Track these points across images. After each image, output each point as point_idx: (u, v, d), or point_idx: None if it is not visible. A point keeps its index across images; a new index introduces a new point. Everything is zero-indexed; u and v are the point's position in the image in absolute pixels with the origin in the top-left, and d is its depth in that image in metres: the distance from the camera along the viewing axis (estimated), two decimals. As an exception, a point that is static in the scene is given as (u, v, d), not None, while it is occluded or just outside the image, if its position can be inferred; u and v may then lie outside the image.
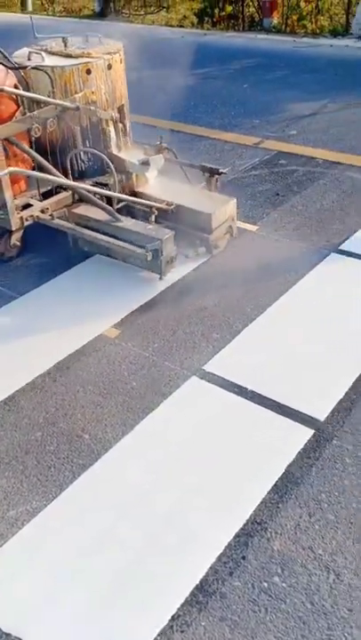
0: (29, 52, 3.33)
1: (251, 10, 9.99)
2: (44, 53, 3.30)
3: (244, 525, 1.96)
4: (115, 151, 3.49)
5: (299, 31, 9.17)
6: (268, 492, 2.06)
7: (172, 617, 1.72)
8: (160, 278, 3.21)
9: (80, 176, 3.44)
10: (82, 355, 2.75)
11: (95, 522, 1.99)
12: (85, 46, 3.46)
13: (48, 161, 3.24)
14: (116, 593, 1.79)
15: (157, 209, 3.34)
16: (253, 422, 2.34)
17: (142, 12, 11.38)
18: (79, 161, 3.46)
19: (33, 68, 3.19)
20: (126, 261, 3.32)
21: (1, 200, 3.13)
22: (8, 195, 3.10)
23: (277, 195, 4.14)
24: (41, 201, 3.35)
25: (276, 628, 1.69)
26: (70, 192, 3.39)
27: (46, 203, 3.33)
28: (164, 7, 11.49)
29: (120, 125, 3.51)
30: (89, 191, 3.28)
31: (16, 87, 3.13)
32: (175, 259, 3.23)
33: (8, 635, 1.70)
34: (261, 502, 2.03)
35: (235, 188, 4.00)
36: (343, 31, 8.83)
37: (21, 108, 3.18)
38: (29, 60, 3.29)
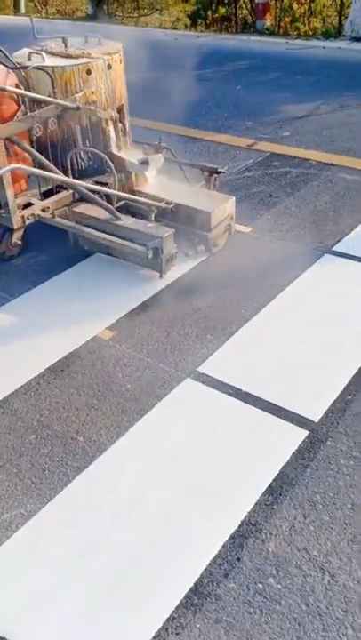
0: (30, 53, 3.36)
1: (244, 12, 10.02)
2: (44, 54, 3.33)
3: (239, 527, 1.96)
4: (114, 151, 3.53)
5: (292, 33, 9.20)
6: (263, 494, 2.06)
7: (167, 619, 1.72)
8: (160, 276, 3.22)
9: (80, 175, 3.47)
10: (76, 357, 2.74)
11: (90, 524, 1.99)
12: (85, 47, 3.49)
13: (49, 160, 3.26)
14: (110, 595, 1.78)
15: (157, 208, 3.36)
16: (248, 424, 2.34)
17: (136, 15, 11.40)
18: (79, 160, 3.49)
19: (34, 68, 3.21)
20: (127, 260, 3.33)
21: (3, 198, 3.16)
22: (10, 193, 3.14)
23: (271, 196, 4.15)
24: (42, 200, 3.39)
25: (271, 629, 1.69)
26: (71, 191, 3.42)
27: (47, 202, 3.37)
28: (157, 9, 11.51)
29: (120, 125, 3.54)
30: (89, 190, 3.30)
31: (17, 87, 3.15)
32: (175, 257, 3.25)
33: (3, 638, 1.69)
34: (256, 503, 2.03)
35: (228, 190, 4.00)
36: (336, 33, 8.87)
37: (22, 107, 3.20)
38: (30, 60, 3.32)
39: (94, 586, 1.81)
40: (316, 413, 2.37)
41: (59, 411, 2.46)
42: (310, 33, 9.15)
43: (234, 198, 3.58)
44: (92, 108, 3.33)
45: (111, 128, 3.48)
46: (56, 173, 3.21)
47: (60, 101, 3.22)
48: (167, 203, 3.40)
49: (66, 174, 3.30)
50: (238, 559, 1.87)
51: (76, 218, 3.39)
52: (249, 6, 9.81)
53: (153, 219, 3.31)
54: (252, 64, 7.57)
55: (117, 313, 3.00)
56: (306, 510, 2.01)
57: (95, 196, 3.30)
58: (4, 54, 3.21)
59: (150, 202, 3.38)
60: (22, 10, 12.84)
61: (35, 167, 3.22)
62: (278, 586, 1.80)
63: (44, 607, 1.77)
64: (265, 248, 3.54)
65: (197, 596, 1.78)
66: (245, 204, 3.94)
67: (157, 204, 3.37)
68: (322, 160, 4.67)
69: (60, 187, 3.44)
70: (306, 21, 9.45)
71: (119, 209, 3.36)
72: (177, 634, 1.69)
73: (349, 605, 1.74)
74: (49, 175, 3.18)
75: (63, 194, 3.42)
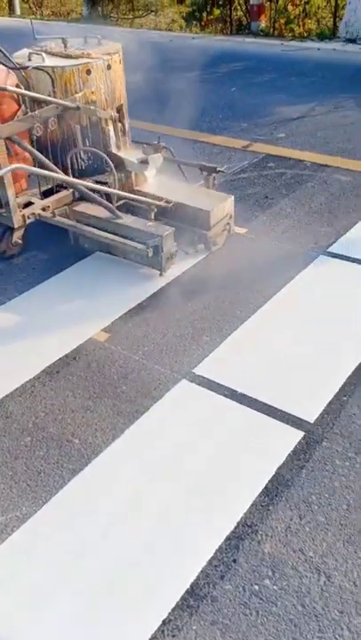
0: (29, 53, 3.38)
1: (239, 13, 10.04)
2: (44, 54, 3.35)
3: (235, 528, 1.96)
4: (114, 150, 3.55)
5: (286, 34, 9.22)
6: (259, 495, 2.06)
7: (164, 621, 1.72)
8: (160, 274, 3.24)
9: (80, 174, 3.49)
10: (71, 359, 2.74)
11: (85, 527, 1.99)
12: (85, 47, 3.50)
13: (49, 159, 3.28)
14: (106, 598, 1.78)
15: (157, 207, 3.38)
16: (243, 425, 2.34)
17: (130, 16, 11.41)
18: (79, 160, 3.51)
19: (34, 68, 3.23)
20: (127, 258, 3.36)
21: (3, 198, 3.18)
22: (10, 192, 3.17)
23: (266, 198, 4.15)
24: (42, 199, 3.41)
25: (267, 630, 1.69)
26: (71, 190, 3.45)
27: (47, 201, 3.39)
28: (152, 11, 11.52)
29: (119, 125, 3.56)
30: (90, 189, 3.31)
31: (17, 87, 3.17)
32: (175, 255, 3.27)
33: (-2, 642, 1.69)
34: (252, 505, 2.03)
35: (224, 191, 4.00)
36: (330, 34, 8.89)
37: (23, 107, 3.21)
38: (30, 60, 3.33)
39: (90, 588, 1.80)
40: (311, 414, 2.37)
41: (54, 413, 2.45)
42: (305, 34, 9.17)
43: (233, 197, 3.60)
44: (92, 107, 3.36)
45: (111, 128, 3.51)
46: (57, 173, 3.23)
47: (61, 101, 3.24)
48: (167, 202, 3.42)
49: (66, 174, 3.32)
50: (234, 561, 1.87)
51: (76, 217, 3.42)
52: (244, 8, 9.82)
53: (153, 218, 3.33)
54: (246, 65, 7.59)
55: (114, 313, 3.01)
56: (302, 511, 2.01)
57: (95, 195, 3.32)
58: (5, 55, 3.22)
59: (150, 201, 3.40)
60: (17, 11, 12.84)
61: (35, 167, 3.23)
62: (274, 587, 1.80)
63: (41, 609, 1.76)
64: (260, 249, 3.54)
65: (193, 597, 1.77)
66: (241, 206, 3.94)
67: (157, 202, 3.39)
68: (317, 161, 4.68)
69: (60, 186, 3.47)
70: (301, 23, 9.47)
71: (119, 208, 3.38)
72: (173, 636, 1.69)
73: (345, 606, 1.74)
74: (50, 174, 3.19)
75: (63, 193, 3.45)
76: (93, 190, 3.33)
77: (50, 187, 3.46)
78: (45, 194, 3.46)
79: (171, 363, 2.68)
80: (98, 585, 1.81)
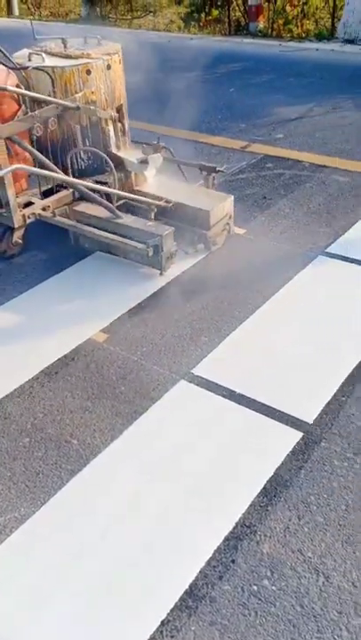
0: (29, 54, 3.39)
1: (237, 14, 10.05)
2: (44, 54, 3.36)
3: (234, 529, 1.96)
4: (114, 150, 3.57)
5: (285, 35, 9.23)
6: (258, 495, 2.06)
7: (162, 622, 1.72)
8: (160, 274, 3.25)
9: (80, 174, 3.50)
10: (70, 359, 2.74)
11: (84, 527, 1.98)
12: (85, 47, 3.51)
13: (49, 159, 3.29)
14: (105, 598, 1.78)
15: (156, 206, 3.39)
16: (242, 425, 2.34)
17: (129, 17, 11.41)
18: (79, 160, 3.53)
19: (34, 68, 3.24)
20: (127, 257, 3.37)
21: (4, 198, 3.19)
22: (11, 192, 3.18)
23: (265, 198, 4.16)
24: (42, 199, 3.42)
25: (266, 631, 1.69)
26: (71, 190, 3.46)
27: (47, 201, 3.40)
28: (150, 11, 11.53)
29: (119, 125, 3.57)
30: (90, 189, 3.32)
31: (17, 87, 3.18)
32: (175, 254, 3.28)
33: (-4, 643, 1.69)
34: (251, 505, 2.03)
35: (222, 192, 4.00)
36: (329, 35, 8.90)
37: (23, 107, 3.22)
38: (30, 60, 3.34)
39: (89, 589, 1.80)
40: (310, 415, 2.37)
41: (52, 414, 2.45)
42: (303, 35, 9.18)
43: (232, 197, 3.60)
44: (92, 107, 3.37)
45: (111, 128, 3.52)
46: (57, 173, 3.24)
47: (61, 101, 3.25)
48: (167, 201, 3.43)
49: (66, 174, 3.33)
50: (233, 561, 1.87)
51: (76, 216, 3.43)
52: (242, 8, 9.83)
53: (153, 217, 3.33)
54: (245, 66, 7.60)
55: (114, 314, 3.01)
56: (300, 512, 2.01)
57: (96, 195, 3.33)
58: (5, 55, 3.23)
59: (150, 201, 3.41)
60: (16, 12, 12.85)
61: (35, 167, 3.24)
62: (273, 588, 1.80)
63: (39, 610, 1.76)
64: (259, 250, 3.54)
65: (192, 598, 1.77)
66: (239, 206, 3.94)
67: (157, 202, 3.41)
68: (315, 162, 4.68)
69: (60, 186, 3.48)
70: (299, 23, 9.48)
71: (119, 208, 3.39)
72: (172, 637, 1.69)
73: (344, 607, 1.74)
74: (50, 174, 3.20)
75: (63, 193, 3.46)
76: (93, 190, 3.34)
77: (50, 187, 3.47)
78: (45, 194, 3.47)
79: (169, 363, 2.68)
80: (96, 586, 1.81)
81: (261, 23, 9.47)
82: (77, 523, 2.00)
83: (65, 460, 2.22)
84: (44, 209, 3.36)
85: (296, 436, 2.28)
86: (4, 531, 1.98)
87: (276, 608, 1.74)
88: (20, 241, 3.45)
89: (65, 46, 3.50)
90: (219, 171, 3.74)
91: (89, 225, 3.36)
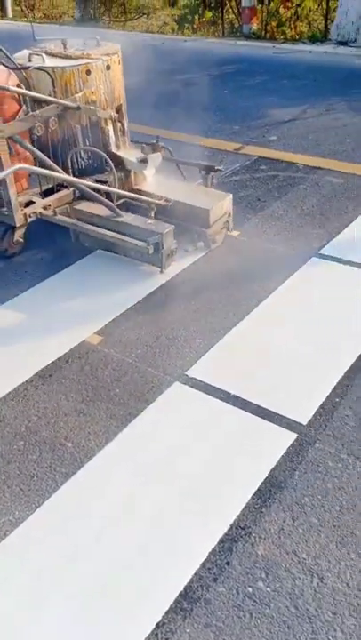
0: (30, 54, 3.41)
1: (231, 16, 10.08)
2: (44, 55, 3.38)
3: (228, 530, 1.96)
4: (114, 149, 3.59)
5: (278, 37, 9.26)
6: (252, 497, 2.06)
7: (157, 624, 1.72)
8: (161, 271, 3.27)
9: (80, 174, 3.53)
10: (64, 362, 2.73)
11: (79, 530, 1.98)
12: (84, 48, 3.53)
13: (49, 159, 3.30)
14: (99, 601, 1.77)
15: (156, 205, 3.41)
16: (236, 427, 2.35)
17: (123, 19, 11.42)
18: (79, 159, 3.55)
19: (35, 68, 3.26)
20: (127, 255, 3.39)
21: (5, 197, 3.21)
22: (12, 192, 3.20)
23: (259, 200, 4.16)
24: (43, 198, 3.44)
25: (260, 633, 1.69)
26: (71, 189, 3.48)
27: (48, 200, 3.43)
28: (144, 13, 11.54)
29: (118, 125, 3.60)
30: (91, 188, 3.34)
31: (18, 87, 3.19)
32: (175, 252, 3.30)
33: (-9, 647, 1.68)
34: (245, 507, 2.03)
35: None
36: (322, 37, 8.94)
37: (24, 107, 3.23)
38: (30, 61, 3.36)
39: (84, 592, 1.80)
40: (304, 416, 2.38)
41: (47, 416, 2.45)
42: (297, 37, 9.21)
43: (231, 195, 3.62)
44: (92, 107, 3.39)
45: (110, 127, 3.55)
46: (57, 172, 3.25)
47: (62, 101, 3.27)
48: (166, 200, 3.45)
49: (66, 173, 3.36)
50: (228, 563, 1.87)
51: (77, 215, 3.46)
52: (236, 10, 9.86)
53: (153, 216, 3.35)
54: (238, 68, 7.61)
55: (109, 315, 3.02)
56: (295, 513, 2.01)
57: (96, 194, 3.34)
58: (6, 55, 3.25)
59: (150, 199, 3.44)
60: (9, 14, 12.84)
61: (36, 166, 3.25)
62: (268, 589, 1.80)
63: (34, 613, 1.76)
64: (253, 252, 3.55)
65: (187, 600, 1.77)
66: (233, 208, 3.95)
67: (157, 201, 3.43)
68: (308, 164, 4.70)
69: (61, 185, 3.50)
70: (292, 26, 9.52)
71: (119, 207, 3.42)
72: (167, 639, 1.69)
73: (338, 608, 1.75)
74: (51, 174, 3.22)
75: (64, 192, 3.48)
76: (94, 189, 3.36)
77: (50, 186, 3.50)
78: (46, 193, 3.49)
79: (164, 365, 2.68)
80: (91, 588, 1.81)
81: (255, 25, 9.50)
82: (72, 525, 2.00)
83: (59, 463, 2.22)
84: (44, 208, 3.39)
85: (290, 437, 2.29)
86: (-2, 534, 1.97)
87: (270, 609, 1.75)
88: (22, 240, 3.48)
89: (65, 47, 3.52)
90: (217, 170, 3.77)
91: (90, 223, 3.39)
